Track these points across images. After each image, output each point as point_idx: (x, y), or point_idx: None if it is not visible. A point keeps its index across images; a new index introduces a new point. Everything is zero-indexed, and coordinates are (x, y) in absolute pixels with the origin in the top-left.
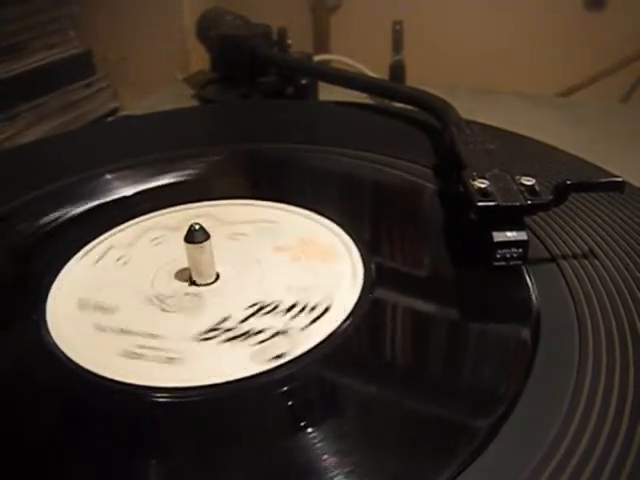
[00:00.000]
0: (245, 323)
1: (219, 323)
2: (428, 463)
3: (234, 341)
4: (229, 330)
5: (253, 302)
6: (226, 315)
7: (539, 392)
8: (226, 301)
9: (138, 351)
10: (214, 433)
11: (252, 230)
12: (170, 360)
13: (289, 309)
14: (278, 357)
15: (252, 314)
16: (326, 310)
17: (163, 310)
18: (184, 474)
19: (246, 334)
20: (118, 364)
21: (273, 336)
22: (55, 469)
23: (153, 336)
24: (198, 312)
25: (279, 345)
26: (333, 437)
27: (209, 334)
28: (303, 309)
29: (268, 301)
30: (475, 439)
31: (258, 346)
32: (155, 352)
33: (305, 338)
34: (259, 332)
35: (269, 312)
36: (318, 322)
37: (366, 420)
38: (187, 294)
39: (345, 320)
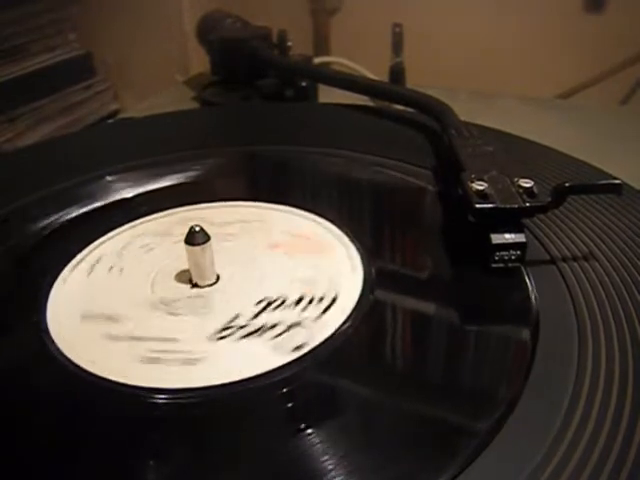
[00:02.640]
0: (257, 319)
1: (231, 321)
2: (428, 464)
3: (251, 337)
4: (243, 327)
5: (260, 299)
6: (236, 313)
7: (539, 393)
8: (232, 300)
9: (156, 356)
10: (256, 425)
11: (245, 230)
12: (192, 361)
13: (297, 302)
14: (299, 347)
15: (262, 310)
16: (334, 299)
17: (170, 314)
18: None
19: (261, 329)
20: (140, 370)
21: (289, 328)
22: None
23: (167, 340)
24: (207, 312)
25: (297, 336)
26: (337, 436)
27: (224, 332)
28: (311, 301)
29: (274, 296)
30: (475, 440)
31: (277, 339)
32: (174, 355)
33: (321, 327)
34: (273, 326)
35: (278, 306)
36: (330, 311)
37: (367, 420)
38: (190, 296)
39: (354, 310)
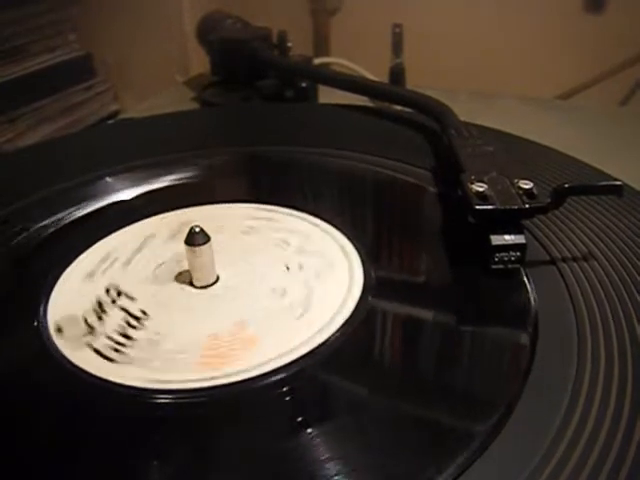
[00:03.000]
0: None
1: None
2: (428, 465)
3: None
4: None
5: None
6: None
7: (538, 394)
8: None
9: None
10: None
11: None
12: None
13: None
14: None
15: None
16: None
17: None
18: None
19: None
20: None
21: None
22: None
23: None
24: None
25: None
26: (336, 437)
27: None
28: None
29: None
30: (474, 441)
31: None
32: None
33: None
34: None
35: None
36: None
37: (367, 422)
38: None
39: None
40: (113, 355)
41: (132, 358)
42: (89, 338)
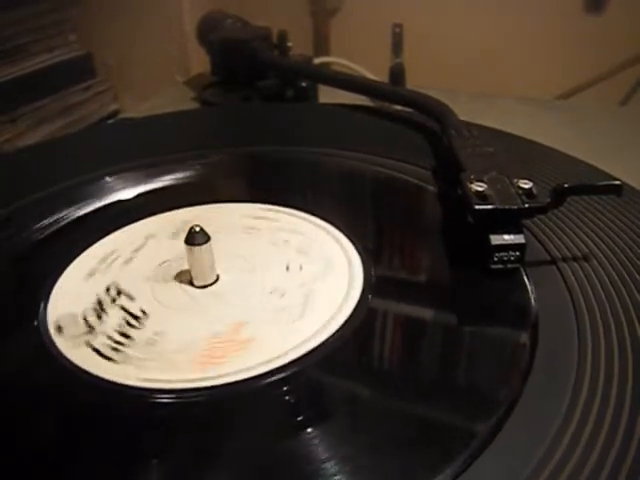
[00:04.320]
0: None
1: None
2: (429, 465)
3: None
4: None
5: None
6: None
7: (538, 394)
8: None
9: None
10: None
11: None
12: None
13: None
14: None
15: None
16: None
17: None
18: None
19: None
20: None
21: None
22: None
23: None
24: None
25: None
26: (335, 437)
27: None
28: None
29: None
30: (475, 440)
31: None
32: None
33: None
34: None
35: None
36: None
37: (367, 421)
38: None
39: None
40: (112, 354)
41: (131, 357)
42: (89, 337)
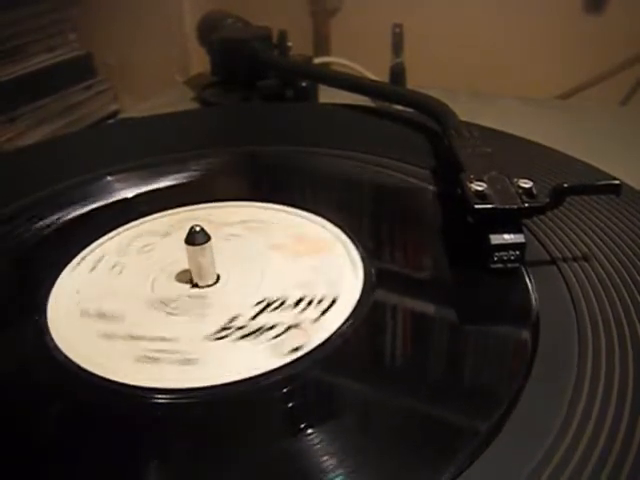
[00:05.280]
0: (256, 320)
1: (229, 322)
2: (429, 464)
3: (248, 338)
4: (241, 328)
5: (259, 299)
6: (235, 314)
7: (539, 393)
8: (232, 301)
9: (153, 355)
10: (256, 426)
11: (244, 230)
12: (188, 361)
13: (297, 303)
14: (296, 349)
15: (261, 311)
16: (334, 300)
17: (169, 314)
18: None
19: (259, 330)
20: (135, 369)
21: (286, 330)
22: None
23: (165, 339)
24: (205, 313)
25: (295, 338)
26: (335, 436)
27: (222, 333)
28: (310, 302)
29: (274, 297)
30: (475, 440)
31: (274, 341)
32: (170, 355)
33: (318, 330)
34: (271, 327)
35: (277, 308)
36: (329, 312)
37: (367, 421)
38: (190, 296)
39: (353, 311)
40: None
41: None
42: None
